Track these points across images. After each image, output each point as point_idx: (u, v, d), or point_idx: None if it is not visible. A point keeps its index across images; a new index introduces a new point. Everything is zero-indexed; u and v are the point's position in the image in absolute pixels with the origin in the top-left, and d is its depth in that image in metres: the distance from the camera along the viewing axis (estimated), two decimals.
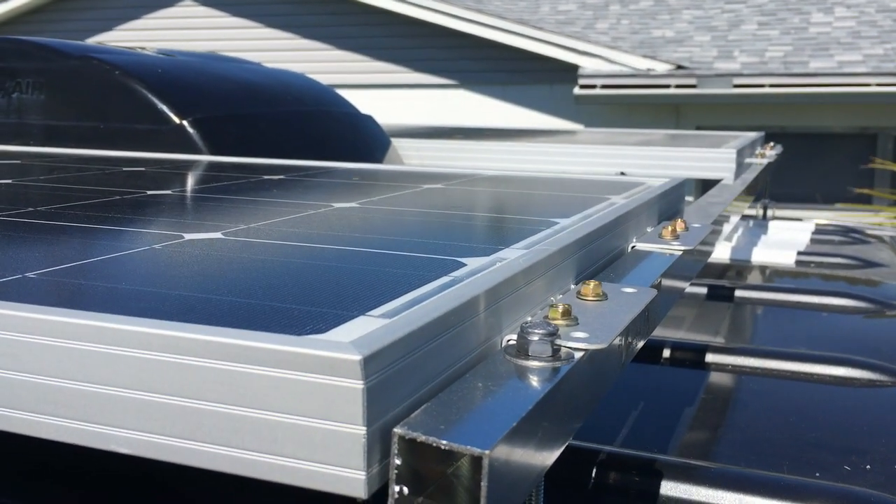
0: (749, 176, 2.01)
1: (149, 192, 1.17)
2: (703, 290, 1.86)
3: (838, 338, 1.60)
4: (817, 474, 1.01)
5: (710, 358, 1.40)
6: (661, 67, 8.88)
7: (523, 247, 0.82)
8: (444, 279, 0.68)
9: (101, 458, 0.68)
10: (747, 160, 2.38)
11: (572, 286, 0.82)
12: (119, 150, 1.79)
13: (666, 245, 1.05)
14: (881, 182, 8.36)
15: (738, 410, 1.24)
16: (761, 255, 2.21)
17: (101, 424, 0.52)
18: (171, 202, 1.10)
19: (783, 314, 1.74)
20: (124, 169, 1.40)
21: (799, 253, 2.21)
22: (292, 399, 0.47)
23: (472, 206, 1.14)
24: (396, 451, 0.47)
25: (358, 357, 0.46)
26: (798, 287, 1.89)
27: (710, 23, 9.91)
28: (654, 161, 2.16)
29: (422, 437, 0.47)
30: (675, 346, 1.45)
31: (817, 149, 8.90)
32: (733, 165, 2.12)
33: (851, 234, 2.58)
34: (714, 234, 1.31)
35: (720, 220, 1.38)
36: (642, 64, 8.92)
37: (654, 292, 0.81)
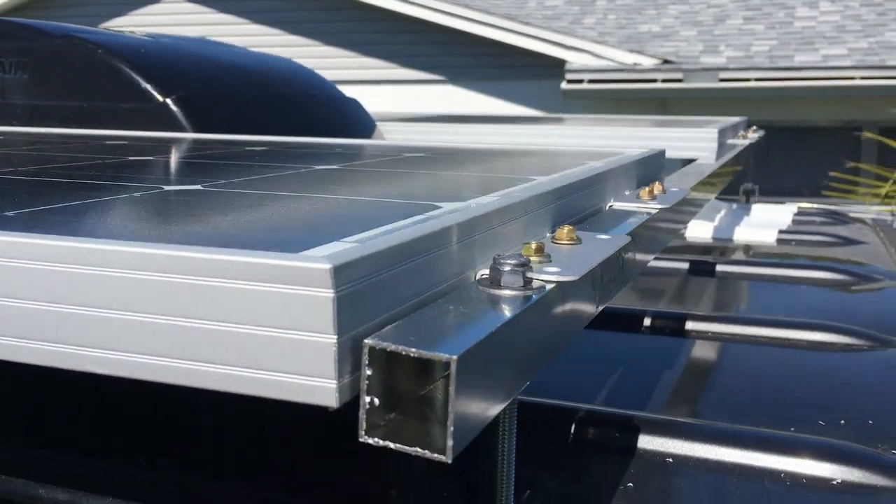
0: (730, 154, 2.03)
1: (130, 158, 1.17)
2: (685, 266, 1.88)
3: (817, 307, 1.61)
4: (792, 429, 1.03)
5: (691, 326, 1.41)
6: (648, 62, 8.91)
7: (500, 195, 0.83)
8: (419, 217, 0.69)
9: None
10: (729, 141, 2.39)
11: (548, 235, 0.83)
12: (103, 129, 1.79)
13: (643, 204, 1.06)
14: (866, 175, 8.41)
15: (717, 374, 1.26)
16: (743, 233, 2.23)
17: (76, 346, 0.53)
18: (152, 164, 1.10)
19: (763, 287, 1.76)
20: (107, 142, 1.41)
21: (780, 231, 2.23)
22: (264, 311, 0.48)
23: (453, 169, 1.15)
24: (367, 362, 0.48)
25: (328, 266, 0.47)
26: (778, 262, 1.91)
27: (696, 18, 9.95)
28: (636, 141, 2.18)
29: (392, 347, 0.48)
30: (656, 315, 1.47)
31: (803, 142, 8.95)
32: (715, 145, 2.14)
33: (833, 216, 2.60)
34: (693, 203, 1.33)
35: (699, 189, 1.40)
36: (629, 59, 8.94)
37: (627, 238, 0.82)
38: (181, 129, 1.82)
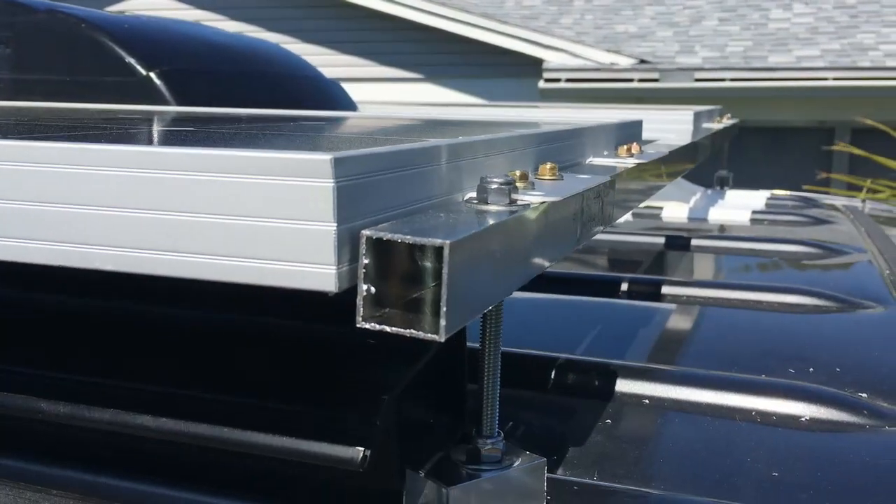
0: (705, 134, 2.08)
1: (120, 116, 1.19)
2: (661, 240, 1.92)
3: (788, 276, 1.66)
4: (763, 376, 1.07)
5: (666, 290, 1.45)
6: (625, 62, 8.99)
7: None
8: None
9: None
10: (704, 125, 2.44)
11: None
12: (86, 103, 1.81)
13: (620, 160, 1.10)
14: (838, 185, 8.53)
15: (691, 331, 1.30)
16: (718, 213, 2.27)
17: (83, 244, 0.56)
18: (141, 120, 1.13)
19: (737, 259, 1.81)
20: (92, 112, 1.43)
21: (754, 212, 2.28)
22: (267, 202, 0.51)
23: (441, 128, 1.19)
24: (364, 251, 0.51)
25: (329, 156, 0.50)
26: (751, 236, 1.95)
27: (672, 18, 10.05)
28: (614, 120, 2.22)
29: (388, 236, 0.51)
30: (633, 281, 1.51)
31: (777, 142, 9.06)
32: (690, 127, 2.18)
33: (805, 200, 2.66)
34: (670, 166, 1.37)
35: (675, 157, 1.44)
36: (606, 58, 9.02)
37: (607, 178, 0.85)
38: (164, 103, 1.84)
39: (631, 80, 8.75)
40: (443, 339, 0.50)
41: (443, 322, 0.50)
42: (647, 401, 1.00)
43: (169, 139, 0.75)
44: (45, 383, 0.72)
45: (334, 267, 0.50)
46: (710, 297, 1.42)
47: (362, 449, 0.61)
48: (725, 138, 2.55)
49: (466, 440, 0.71)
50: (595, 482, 0.78)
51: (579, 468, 0.82)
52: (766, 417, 0.96)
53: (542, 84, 8.92)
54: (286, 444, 0.63)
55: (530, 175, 0.74)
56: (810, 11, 9.74)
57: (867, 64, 8.46)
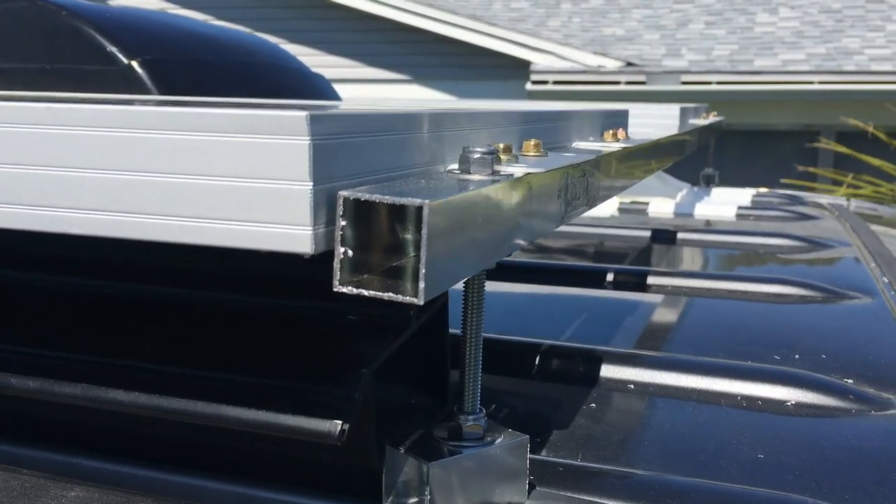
0: (692, 128, 2.07)
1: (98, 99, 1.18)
2: (647, 234, 1.91)
3: (774, 268, 1.65)
4: (749, 362, 1.06)
5: (654, 281, 1.44)
6: (612, 64, 9.01)
7: None
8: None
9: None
10: (691, 121, 2.43)
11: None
12: (66, 92, 1.78)
13: (606, 144, 1.09)
14: (823, 180, 8.56)
15: (677, 320, 1.29)
16: (704, 209, 2.27)
17: (56, 208, 0.54)
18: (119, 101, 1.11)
19: (723, 252, 1.80)
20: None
21: (740, 208, 2.28)
22: (241, 162, 0.50)
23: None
24: (342, 213, 0.50)
25: (304, 113, 0.48)
26: (737, 230, 1.95)
27: (659, 22, 10.08)
28: None
29: (367, 196, 0.50)
30: (618, 272, 1.50)
31: (762, 145, 9.10)
32: (677, 122, 2.18)
33: (790, 197, 2.66)
34: (657, 154, 1.36)
35: (662, 145, 1.43)
36: (593, 61, 9.03)
37: (591, 156, 0.84)
38: (146, 92, 1.81)
39: (618, 83, 8.76)
40: (422, 302, 0.48)
41: (422, 285, 0.48)
42: (631, 385, 1.00)
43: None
44: (11, 359, 0.70)
45: (310, 228, 0.49)
46: (696, 288, 1.42)
47: (340, 422, 0.59)
48: (711, 134, 2.55)
49: (449, 419, 0.69)
50: (584, 464, 0.77)
51: (563, 450, 0.80)
52: (751, 402, 0.95)
53: (529, 86, 8.92)
54: (264, 418, 0.62)
55: (514, 149, 0.72)
56: (796, 16, 9.79)
57: (852, 68, 8.50)
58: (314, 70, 2.58)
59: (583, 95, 8.90)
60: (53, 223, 0.54)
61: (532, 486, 0.70)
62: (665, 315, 1.32)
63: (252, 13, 10.21)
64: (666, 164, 1.56)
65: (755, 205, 2.44)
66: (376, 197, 0.49)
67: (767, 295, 1.38)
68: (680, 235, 1.88)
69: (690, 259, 1.78)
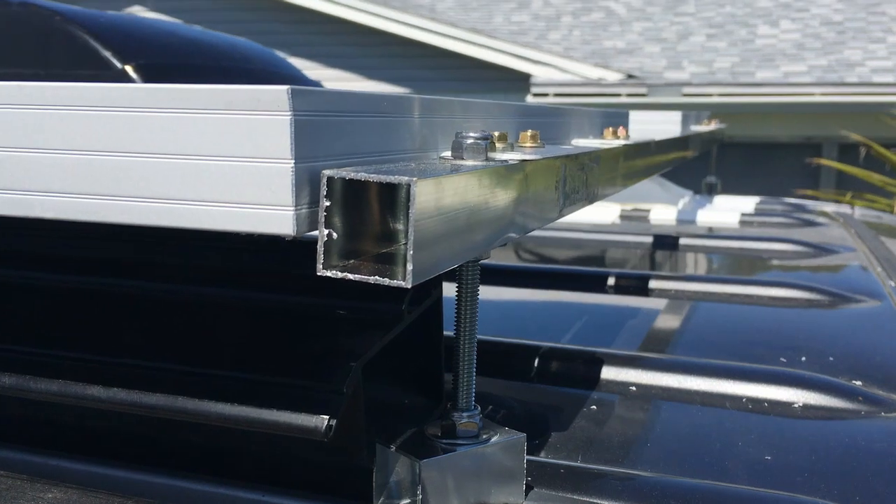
0: (693, 132, 2.05)
1: None
2: (649, 240, 1.89)
3: (779, 272, 1.63)
4: (757, 364, 1.03)
5: (659, 285, 1.42)
6: (613, 77, 9.00)
7: None
8: None
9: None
10: (693, 127, 2.41)
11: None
12: None
13: (605, 141, 1.06)
14: (826, 186, 8.55)
15: (684, 324, 1.26)
16: (707, 216, 2.24)
17: (25, 191, 0.51)
18: None
19: (727, 256, 1.78)
20: None
21: (743, 214, 2.25)
22: (221, 140, 0.47)
23: None
24: (325, 193, 0.47)
25: (285, 88, 0.46)
26: (741, 235, 1.92)
27: (660, 34, 10.08)
28: None
29: (352, 175, 0.47)
30: (620, 276, 1.47)
31: (764, 157, 9.08)
32: (678, 127, 2.15)
33: (794, 205, 2.63)
34: (658, 154, 1.33)
35: (663, 146, 1.40)
36: (594, 73, 9.03)
37: (590, 148, 0.82)
38: None
39: (619, 95, 8.75)
40: (409, 286, 0.46)
41: (409, 267, 0.46)
42: (633, 388, 0.97)
43: None
44: None
45: (292, 208, 0.46)
46: (701, 292, 1.39)
47: (327, 417, 0.56)
48: (713, 142, 2.53)
49: (443, 417, 0.66)
50: (588, 465, 0.74)
51: (565, 452, 0.77)
52: (759, 404, 0.92)
53: (530, 98, 8.91)
54: (248, 414, 0.59)
55: (510, 138, 0.70)
56: (797, 28, 9.79)
57: (854, 80, 8.48)
58: (312, 80, 2.56)
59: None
60: (22, 207, 0.52)
61: (530, 487, 0.67)
62: (671, 319, 1.29)
63: (253, 27, 10.22)
64: (667, 165, 1.53)
65: (759, 212, 2.41)
66: (362, 175, 0.47)
67: (773, 299, 1.35)
68: (684, 241, 1.85)
69: (695, 264, 1.75)
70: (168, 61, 1.88)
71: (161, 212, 0.49)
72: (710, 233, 2.04)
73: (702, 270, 1.71)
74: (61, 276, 0.75)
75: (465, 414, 0.64)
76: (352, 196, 0.48)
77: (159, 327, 0.70)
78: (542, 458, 0.75)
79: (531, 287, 1.48)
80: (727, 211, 2.28)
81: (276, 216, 0.47)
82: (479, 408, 0.65)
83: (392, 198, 0.48)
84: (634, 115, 2.22)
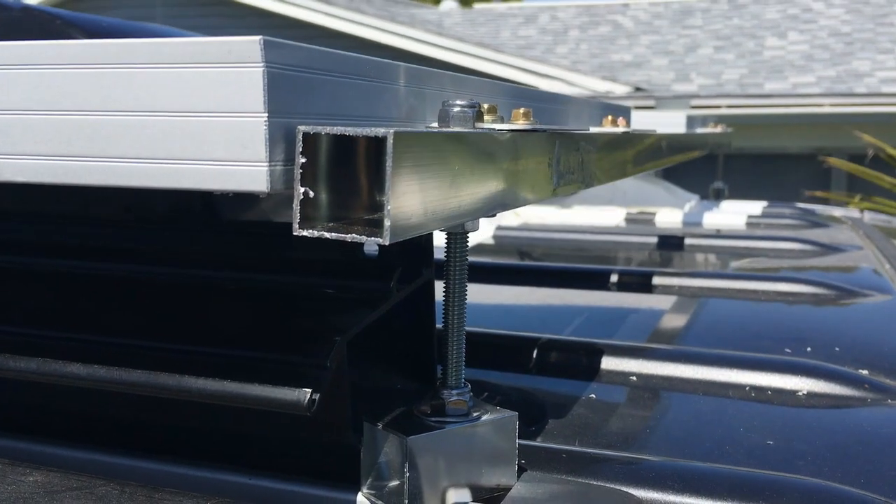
0: (698, 131, 2.03)
1: None
2: (654, 240, 1.87)
3: (786, 269, 1.60)
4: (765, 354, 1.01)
5: (669, 282, 1.40)
6: (621, 89, 8.99)
7: None
8: None
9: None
10: (698, 129, 2.40)
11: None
12: None
13: (604, 129, 1.04)
14: (837, 191, 8.50)
15: (693, 318, 1.24)
16: (713, 218, 2.22)
17: None
18: None
19: (734, 255, 1.75)
20: None
21: (749, 216, 2.23)
22: (192, 94, 0.46)
23: None
24: (301, 150, 0.46)
25: (258, 38, 0.44)
26: (748, 235, 1.90)
27: (668, 47, 10.08)
28: None
29: (328, 129, 0.46)
30: (627, 273, 1.45)
31: (773, 169, 9.04)
32: (683, 129, 2.14)
33: (801, 209, 2.61)
34: (660, 149, 1.32)
35: (665, 141, 1.39)
36: (602, 86, 9.03)
37: (587, 129, 0.80)
38: None
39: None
40: (387, 242, 0.44)
41: (387, 223, 0.44)
42: (636, 378, 0.95)
43: None
44: None
45: (266, 164, 0.45)
46: (710, 288, 1.37)
47: (309, 391, 0.54)
48: (718, 144, 2.51)
49: (432, 396, 0.65)
50: (592, 450, 0.72)
51: (573, 438, 0.75)
52: (766, 392, 0.90)
53: None
54: (230, 389, 0.57)
55: (499, 110, 0.68)
56: (805, 39, 9.77)
57: (863, 90, 8.46)
58: None
59: None
60: None
61: (523, 469, 0.65)
62: (678, 314, 1.27)
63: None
64: (670, 160, 1.51)
65: (766, 214, 2.39)
66: (338, 130, 0.45)
67: (781, 294, 1.33)
68: (690, 241, 1.83)
69: (701, 262, 1.73)
70: None
71: (133, 172, 0.47)
72: (717, 233, 2.02)
73: (708, 268, 1.68)
74: (40, 258, 0.73)
75: (454, 392, 0.62)
76: (329, 153, 0.46)
77: (143, 305, 0.68)
78: (538, 442, 0.73)
79: (539, 286, 1.46)
80: (734, 214, 2.25)
81: (250, 173, 0.45)
82: (470, 385, 0.63)
83: (370, 155, 0.46)
84: (638, 117, 2.21)
